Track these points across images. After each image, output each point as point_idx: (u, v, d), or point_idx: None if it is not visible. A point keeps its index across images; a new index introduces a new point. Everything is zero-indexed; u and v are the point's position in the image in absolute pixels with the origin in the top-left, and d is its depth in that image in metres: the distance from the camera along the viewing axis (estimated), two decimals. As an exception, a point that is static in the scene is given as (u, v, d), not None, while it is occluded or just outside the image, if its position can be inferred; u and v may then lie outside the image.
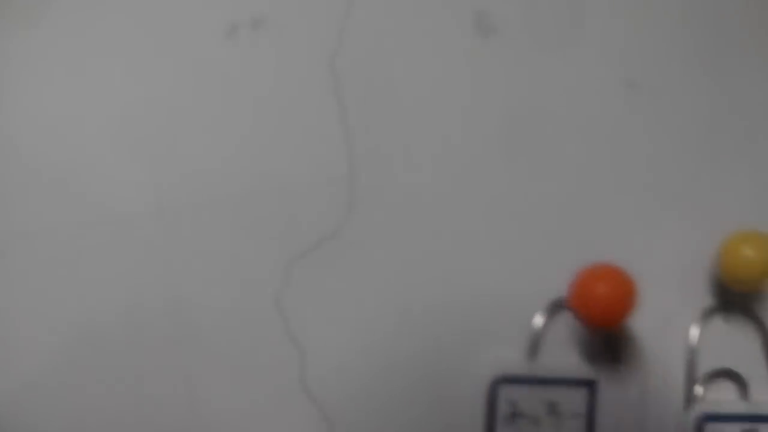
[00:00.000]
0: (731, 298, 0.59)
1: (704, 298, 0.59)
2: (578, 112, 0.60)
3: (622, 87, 0.60)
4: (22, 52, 0.58)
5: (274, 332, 0.57)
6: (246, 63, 0.59)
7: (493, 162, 0.59)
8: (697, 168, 0.60)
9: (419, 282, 0.58)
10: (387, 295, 0.58)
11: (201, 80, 0.59)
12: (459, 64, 0.60)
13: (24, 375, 0.56)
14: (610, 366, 0.58)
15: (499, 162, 0.59)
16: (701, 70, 0.61)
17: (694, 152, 0.60)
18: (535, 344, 0.57)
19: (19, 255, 0.57)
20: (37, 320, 0.56)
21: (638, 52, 0.60)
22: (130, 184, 0.58)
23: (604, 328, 0.57)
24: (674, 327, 0.58)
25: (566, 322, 0.58)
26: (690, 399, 0.58)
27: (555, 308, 0.57)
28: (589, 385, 0.57)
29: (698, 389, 0.58)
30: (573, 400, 0.57)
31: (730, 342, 0.59)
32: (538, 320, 0.57)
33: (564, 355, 0.58)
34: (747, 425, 0.57)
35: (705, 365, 0.58)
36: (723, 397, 0.58)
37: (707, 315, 0.59)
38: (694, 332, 0.58)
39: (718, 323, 0.59)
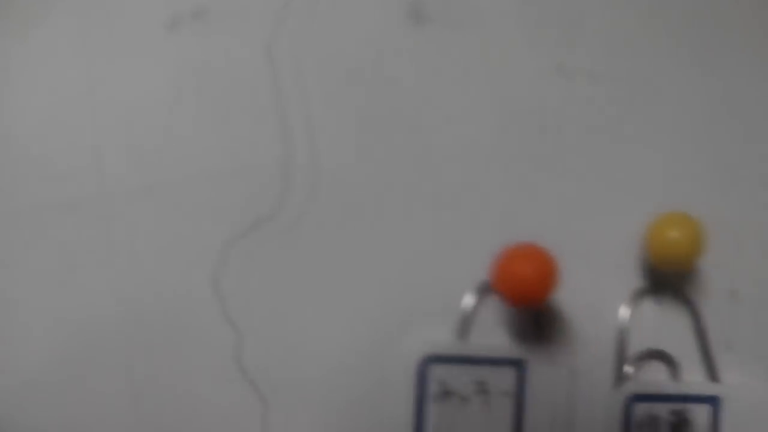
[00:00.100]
0: (663, 279, 0.59)
1: (636, 280, 0.60)
2: (502, 94, 0.61)
3: (553, 70, 0.61)
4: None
5: (211, 313, 0.59)
6: (185, 51, 0.61)
7: (420, 143, 0.60)
8: (627, 149, 0.60)
9: (352, 264, 0.59)
10: (322, 276, 0.59)
11: (140, 68, 0.61)
12: (394, 51, 0.61)
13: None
14: (540, 346, 0.58)
15: (426, 143, 0.60)
16: (624, 54, 0.61)
17: (623, 133, 0.61)
18: (465, 324, 0.58)
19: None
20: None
21: (567, 35, 0.61)
22: (73, 169, 0.60)
23: (525, 306, 0.57)
24: (605, 308, 0.59)
25: (496, 302, 0.58)
26: (620, 379, 0.58)
27: (484, 289, 0.58)
28: (518, 364, 0.57)
29: (628, 369, 0.58)
30: (502, 379, 0.57)
31: (662, 323, 0.59)
32: (468, 300, 0.58)
33: (494, 335, 0.59)
34: (676, 405, 0.58)
35: (636, 346, 0.59)
36: (654, 378, 0.58)
37: (638, 296, 0.59)
38: (625, 312, 0.59)
39: (650, 304, 0.59)
